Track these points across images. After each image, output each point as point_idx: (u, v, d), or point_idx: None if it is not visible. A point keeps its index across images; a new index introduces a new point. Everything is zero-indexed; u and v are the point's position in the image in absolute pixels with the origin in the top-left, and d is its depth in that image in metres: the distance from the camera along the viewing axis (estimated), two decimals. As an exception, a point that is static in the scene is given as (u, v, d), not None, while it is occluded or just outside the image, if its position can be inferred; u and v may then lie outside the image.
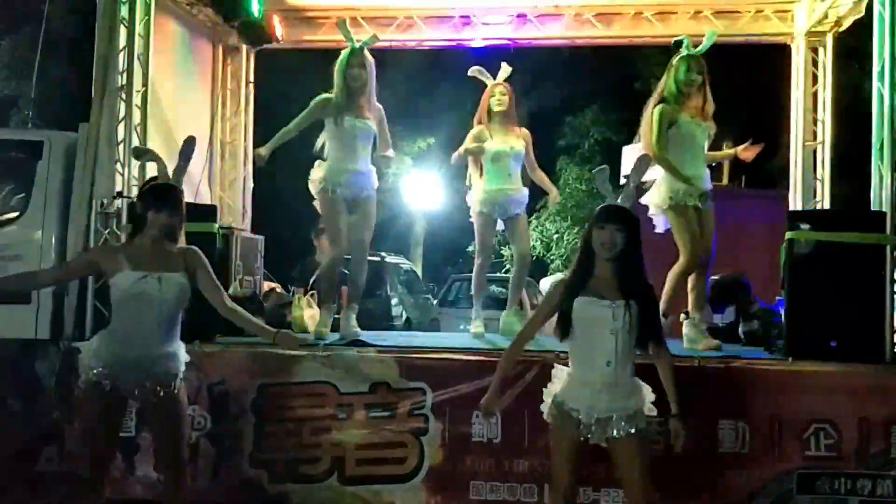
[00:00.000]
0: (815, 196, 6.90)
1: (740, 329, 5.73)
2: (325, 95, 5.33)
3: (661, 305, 4.63)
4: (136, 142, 5.66)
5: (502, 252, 18.05)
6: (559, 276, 21.00)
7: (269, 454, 4.70)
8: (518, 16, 7.18)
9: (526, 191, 5.74)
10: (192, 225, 4.09)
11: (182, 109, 6.67)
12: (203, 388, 4.68)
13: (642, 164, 3.96)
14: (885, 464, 4.36)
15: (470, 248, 22.21)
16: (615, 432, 3.43)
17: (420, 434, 4.61)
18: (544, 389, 3.66)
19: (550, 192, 6.14)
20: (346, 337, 5.22)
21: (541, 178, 5.93)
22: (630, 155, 13.89)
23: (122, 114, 5.56)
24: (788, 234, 4.85)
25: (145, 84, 5.74)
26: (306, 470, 4.67)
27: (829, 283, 4.73)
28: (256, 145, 7.81)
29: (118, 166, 5.50)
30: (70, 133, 5.53)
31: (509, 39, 7.42)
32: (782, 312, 5.08)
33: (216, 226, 5.38)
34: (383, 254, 12.79)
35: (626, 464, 3.48)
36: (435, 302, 14.05)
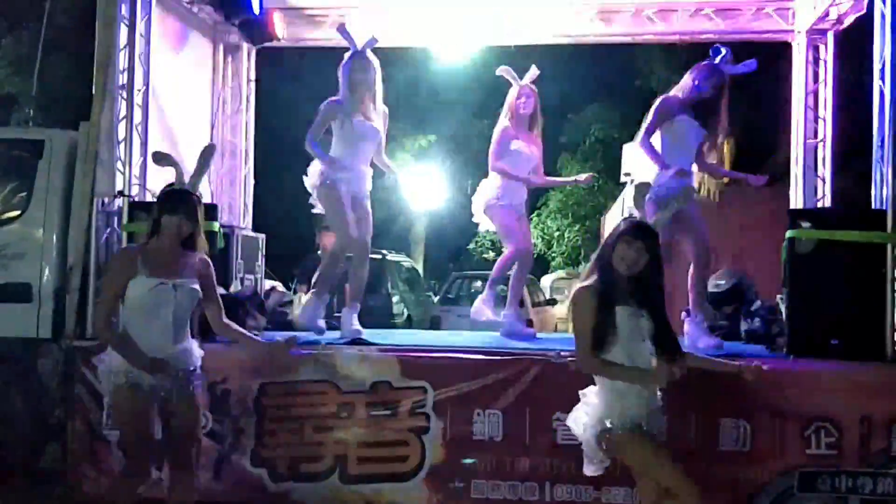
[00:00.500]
0: (816, 194, 6.90)
1: (741, 327, 5.73)
2: (333, 99, 5.33)
3: None
4: (136, 140, 5.67)
5: (502, 249, 18.00)
6: (561, 273, 21.04)
7: (271, 452, 4.71)
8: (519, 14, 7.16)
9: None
10: (192, 224, 4.10)
11: (183, 108, 6.68)
12: (205, 387, 4.68)
13: (687, 193, 4.00)
14: (887, 462, 4.35)
15: (471, 246, 22.30)
16: (656, 429, 3.57)
17: (421, 432, 4.61)
18: (575, 416, 3.70)
19: (579, 177, 6.21)
20: (347, 335, 5.22)
21: (551, 181, 6.16)
22: (631, 153, 13.90)
23: (122, 112, 5.57)
24: (789, 233, 4.84)
25: (146, 83, 5.75)
26: (308, 468, 4.68)
27: (830, 282, 4.73)
28: (257, 144, 7.89)
29: (119, 165, 5.51)
30: (71, 132, 5.53)
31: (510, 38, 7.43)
32: (783, 310, 5.08)
33: (217, 224, 5.39)
34: (384, 252, 12.81)
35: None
36: (436, 300, 14.06)
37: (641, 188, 3.86)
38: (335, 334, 5.32)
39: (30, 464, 5.00)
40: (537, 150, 5.77)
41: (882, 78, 5.04)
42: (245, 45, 7.61)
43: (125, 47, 5.57)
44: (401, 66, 15.48)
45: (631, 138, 16.06)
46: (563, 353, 4.56)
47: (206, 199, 6.75)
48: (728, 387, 4.28)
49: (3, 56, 14.71)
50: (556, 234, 21.39)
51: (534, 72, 5.75)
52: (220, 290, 4.31)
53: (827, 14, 6.60)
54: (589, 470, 3.73)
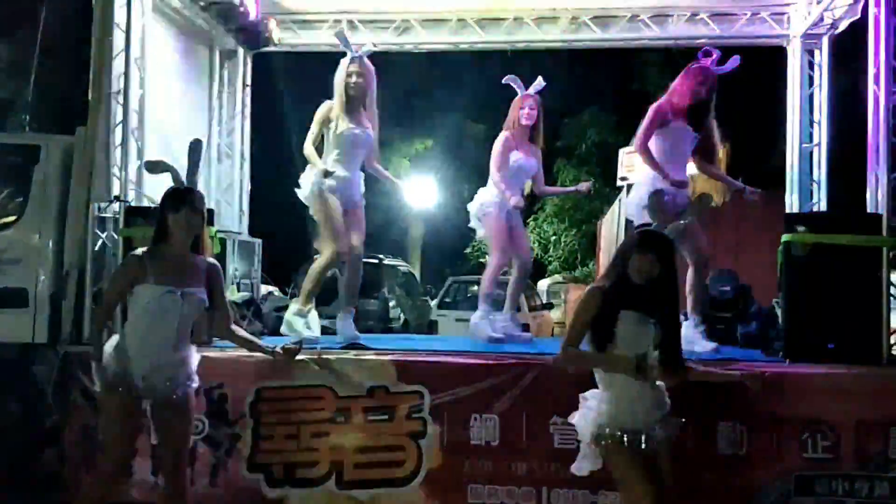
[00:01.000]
0: (811, 198, 6.92)
1: (738, 331, 5.74)
2: (328, 103, 5.33)
3: None
4: (132, 146, 5.67)
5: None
6: (557, 277, 20.99)
7: (267, 458, 4.70)
8: (515, 19, 7.19)
9: None
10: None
11: (179, 113, 6.68)
12: (201, 392, 4.68)
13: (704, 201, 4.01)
14: (883, 465, 4.36)
15: (468, 251, 22.31)
16: (655, 441, 3.51)
17: (418, 437, 4.60)
18: (576, 418, 3.67)
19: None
20: (343, 340, 5.22)
21: (550, 192, 6.57)
22: (626, 157, 13.93)
23: (118, 118, 5.57)
24: (785, 237, 4.85)
25: (142, 88, 5.75)
26: (304, 473, 4.67)
27: (825, 285, 4.74)
28: (253, 149, 7.89)
29: (115, 170, 5.51)
30: (67, 137, 5.53)
31: (507, 42, 7.45)
32: (779, 314, 5.09)
33: (214, 229, 5.38)
34: (381, 256, 12.80)
35: (659, 469, 3.53)
36: (433, 304, 14.05)
37: (657, 196, 3.85)
38: (332, 339, 5.32)
39: (26, 470, 4.98)
40: (537, 161, 5.78)
41: (877, 82, 5.06)
42: (241, 51, 7.61)
43: (121, 53, 5.57)
44: (397, 70, 15.50)
45: (627, 143, 16.09)
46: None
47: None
48: (725, 391, 4.28)
49: (-2, 61, 14.70)
50: (553, 238, 21.38)
51: (539, 83, 5.76)
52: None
53: (822, 19, 6.64)
54: (576, 469, 3.71)
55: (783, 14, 6.97)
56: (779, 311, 5.11)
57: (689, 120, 5.22)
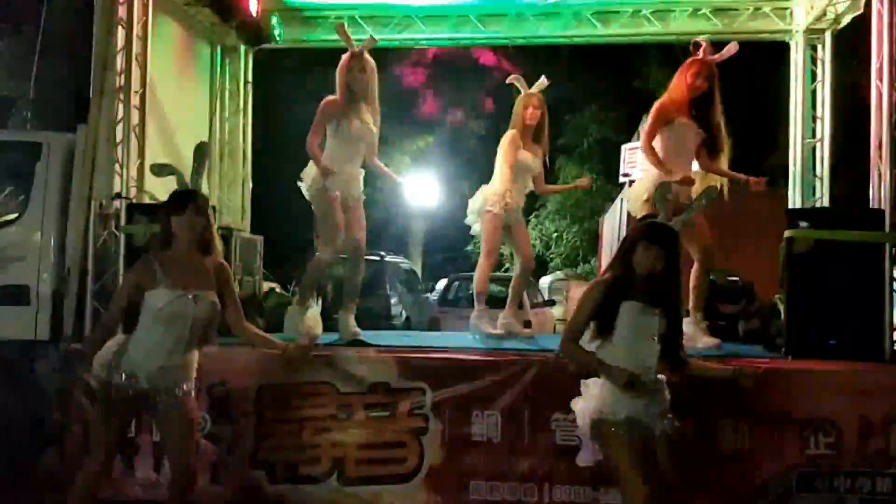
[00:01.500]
0: (814, 194, 6.90)
1: (740, 327, 5.74)
2: (330, 98, 5.32)
3: None
4: (134, 143, 5.66)
5: (501, 251, 18.04)
6: (559, 274, 21.00)
7: (269, 455, 4.70)
8: (517, 14, 7.18)
9: None
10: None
11: (181, 110, 6.67)
12: (203, 389, 4.68)
13: (710, 193, 4.02)
14: (885, 461, 4.35)
15: (469, 248, 22.31)
16: (653, 432, 3.53)
17: (420, 434, 4.60)
18: (578, 405, 3.67)
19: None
20: (345, 337, 5.21)
21: (550, 190, 6.60)
22: (629, 153, 13.91)
23: (120, 115, 5.56)
24: (787, 233, 4.85)
25: (143, 85, 5.74)
26: (306, 470, 4.67)
27: (828, 282, 4.73)
28: (255, 145, 7.88)
29: (117, 167, 5.50)
30: (68, 134, 5.52)
31: (508, 38, 7.45)
32: (781, 310, 5.09)
33: (215, 226, 5.37)
34: (382, 253, 12.79)
35: (658, 462, 3.53)
36: (434, 300, 14.04)
37: (663, 188, 3.86)
38: (334, 336, 5.32)
39: (28, 468, 4.99)
40: (540, 160, 5.77)
41: (879, 77, 5.05)
42: (242, 47, 7.61)
43: (122, 49, 5.56)
44: (398, 66, 15.49)
45: (629, 139, 16.08)
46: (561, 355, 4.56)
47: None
48: (726, 388, 4.28)
49: (-1, 58, 14.70)
50: (555, 235, 21.38)
51: (543, 82, 5.75)
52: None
53: (824, 14, 6.61)
54: (581, 461, 3.71)
55: (786, 9, 6.96)
56: (781, 308, 5.10)
57: (692, 115, 5.21)
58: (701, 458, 4.35)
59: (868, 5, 5.49)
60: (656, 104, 5.29)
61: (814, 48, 6.96)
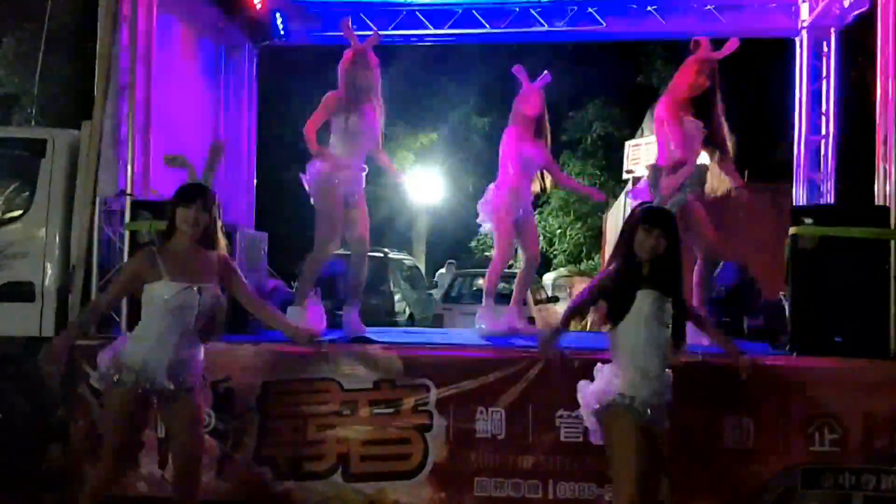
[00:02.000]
0: (819, 191, 6.89)
1: (745, 324, 5.72)
2: (334, 92, 5.31)
3: None
4: (138, 140, 5.67)
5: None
6: (563, 270, 20.99)
7: (274, 451, 4.71)
8: (521, 10, 7.17)
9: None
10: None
11: (185, 107, 6.67)
12: (207, 385, 4.69)
13: (699, 174, 4.00)
14: (890, 458, 4.35)
15: (473, 244, 22.31)
16: (659, 424, 3.53)
17: (424, 430, 4.61)
18: (587, 388, 3.67)
19: (596, 193, 6.77)
20: (349, 333, 5.22)
21: (565, 182, 6.57)
22: (632, 150, 13.89)
23: (124, 112, 5.56)
24: (792, 230, 4.84)
25: (148, 82, 5.74)
26: (310, 467, 4.68)
27: (833, 279, 4.72)
28: (260, 142, 7.89)
29: (121, 164, 5.51)
30: (73, 131, 5.53)
31: (512, 34, 7.44)
32: (786, 307, 5.08)
33: (220, 223, 5.37)
34: (386, 250, 12.80)
35: (659, 454, 3.54)
36: (438, 297, 14.04)
37: (655, 171, 3.87)
38: (338, 332, 5.32)
39: (32, 464, 5.00)
40: (542, 151, 5.76)
41: (885, 74, 5.03)
42: (247, 44, 7.60)
43: (127, 46, 5.57)
44: (402, 63, 15.48)
45: (632, 136, 16.04)
46: (565, 351, 4.56)
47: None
48: (731, 384, 4.27)
49: (4, 55, 14.72)
50: (558, 231, 21.34)
51: (546, 77, 5.75)
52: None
53: (830, 10, 6.59)
54: (595, 438, 3.72)
55: (792, 6, 6.94)
56: (786, 304, 5.10)
57: (695, 112, 5.21)
58: (706, 454, 4.36)
59: (874, 2, 5.47)
60: (659, 103, 5.28)
61: (819, 45, 6.94)
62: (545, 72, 5.77)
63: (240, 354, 4.80)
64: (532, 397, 4.53)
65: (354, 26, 5.49)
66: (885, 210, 4.89)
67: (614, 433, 3.54)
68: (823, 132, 6.90)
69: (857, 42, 6.63)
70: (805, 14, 6.89)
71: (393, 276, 12.20)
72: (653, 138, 8.34)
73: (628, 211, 4.09)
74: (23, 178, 5.47)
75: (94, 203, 5.30)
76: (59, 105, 12.06)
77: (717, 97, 5.31)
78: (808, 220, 4.85)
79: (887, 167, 4.98)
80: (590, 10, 7.08)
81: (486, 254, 22.65)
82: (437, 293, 14.02)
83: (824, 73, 6.92)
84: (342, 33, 5.42)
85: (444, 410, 4.60)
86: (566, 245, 21.28)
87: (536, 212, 20.45)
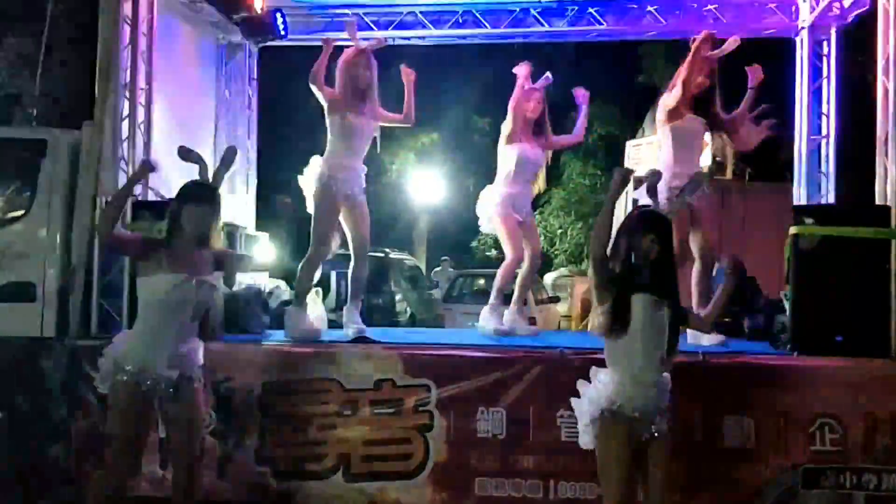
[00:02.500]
0: (819, 190, 6.89)
1: (745, 323, 5.72)
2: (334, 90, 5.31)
3: None
4: (139, 140, 5.67)
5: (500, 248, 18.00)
6: (563, 270, 20.97)
7: (274, 451, 4.71)
8: (521, 10, 7.17)
9: None
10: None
11: (186, 107, 6.68)
12: (208, 386, 4.69)
13: (697, 179, 3.98)
14: (891, 458, 4.35)
15: (474, 244, 22.30)
16: (655, 430, 3.49)
17: (425, 430, 4.61)
18: (583, 391, 3.64)
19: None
20: (350, 333, 5.22)
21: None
22: (632, 150, 13.87)
23: (125, 112, 5.57)
24: (793, 229, 4.84)
25: (149, 82, 5.75)
26: (311, 466, 4.68)
27: (834, 278, 4.72)
28: (261, 143, 7.89)
29: (122, 164, 5.51)
30: (74, 131, 5.53)
31: (512, 34, 7.44)
32: (787, 307, 5.08)
33: (221, 223, 5.37)
34: (387, 250, 12.79)
35: (658, 462, 3.51)
36: (439, 297, 14.04)
37: (654, 176, 3.86)
38: (339, 332, 5.32)
39: (34, 464, 5.00)
40: (542, 151, 5.76)
41: (886, 74, 5.03)
42: (247, 44, 7.61)
43: (128, 46, 5.57)
44: (402, 63, 15.47)
45: (633, 135, 16.03)
46: (566, 351, 4.56)
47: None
48: (731, 384, 4.28)
49: (5, 55, 14.71)
50: (559, 231, 21.33)
51: (546, 77, 5.74)
52: (224, 289, 4.32)
53: (830, 10, 6.59)
54: (583, 441, 3.69)
55: (792, 5, 6.94)
56: (786, 304, 5.10)
57: (697, 111, 5.22)
58: (706, 454, 4.35)
59: (874, 2, 5.46)
60: (661, 103, 5.28)
61: (820, 45, 6.94)
62: (547, 73, 5.76)
63: (240, 354, 4.80)
64: (533, 397, 4.53)
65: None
66: (885, 210, 4.89)
67: (601, 442, 3.53)
68: (824, 132, 6.90)
69: (857, 42, 6.62)
70: (805, 14, 6.89)
71: (394, 276, 12.20)
72: (653, 138, 8.36)
73: (628, 210, 4.08)
74: (24, 179, 5.46)
75: (94, 203, 5.31)
76: (60, 105, 12.05)
77: (718, 95, 5.31)
78: (809, 220, 4.85)
79: (887, 166, 4.98)
80: (590, 10, 7.09)
81: (488, 254, 22.68)
82: (436, 293, 14.01)
83: (824, 73, 6.91)
84: (346, 34, 5.43)
85: (445, 410, 4.60)
86: (567, 245, 21.28)
87: (537, 212, 20.52)
